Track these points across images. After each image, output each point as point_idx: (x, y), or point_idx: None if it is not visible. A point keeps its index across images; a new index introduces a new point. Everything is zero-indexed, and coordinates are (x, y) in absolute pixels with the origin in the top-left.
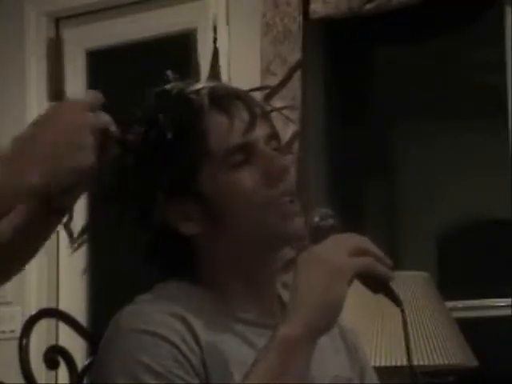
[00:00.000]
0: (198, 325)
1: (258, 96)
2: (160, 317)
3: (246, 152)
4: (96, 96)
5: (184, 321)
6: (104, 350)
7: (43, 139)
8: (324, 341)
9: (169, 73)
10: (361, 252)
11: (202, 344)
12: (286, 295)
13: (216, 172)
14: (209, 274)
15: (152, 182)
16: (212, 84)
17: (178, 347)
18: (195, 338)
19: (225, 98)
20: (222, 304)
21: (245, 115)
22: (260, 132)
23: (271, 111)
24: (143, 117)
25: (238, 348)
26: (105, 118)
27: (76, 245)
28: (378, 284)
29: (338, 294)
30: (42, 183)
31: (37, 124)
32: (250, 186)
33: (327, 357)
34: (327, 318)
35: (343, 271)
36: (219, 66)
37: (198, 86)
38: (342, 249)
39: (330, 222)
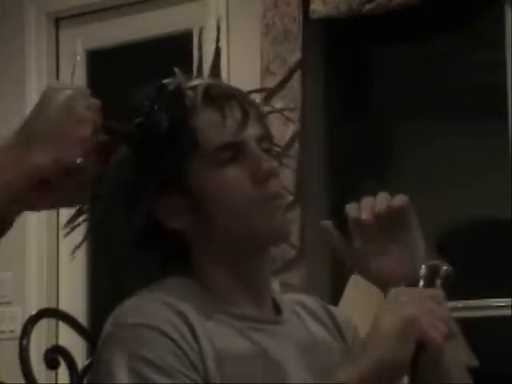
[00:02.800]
0: (195, 321)
1: (256, 97)
2: (160, 311)
3: (235, 150)
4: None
5: (183, 316)
6: (104, 345)
7: (42, 121)
8: (317, 330)
9: (176, 70)
10: (440, 321)
11: (200, 340)
12: (282, 295)
13: (205, 168)
14: (201, 270)
15: (143, 173)
16: (209, 81)
17: (177, 343)
18: (193, 335)
19: (219, 96)
20: (218, 300)
21: (238, 114)
22: (252, 132)
23: (268, 113)
24: (139, 109)
25: (234, 343)
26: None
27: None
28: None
29: (401, 356)
30: (50, 162)
31: (36, 107)
32: (236, 183)
33: (321, 347)
34: (385, 374)
35: (414, 330)
36: (220, 65)
37: (196, 82)
38: (426, 308)
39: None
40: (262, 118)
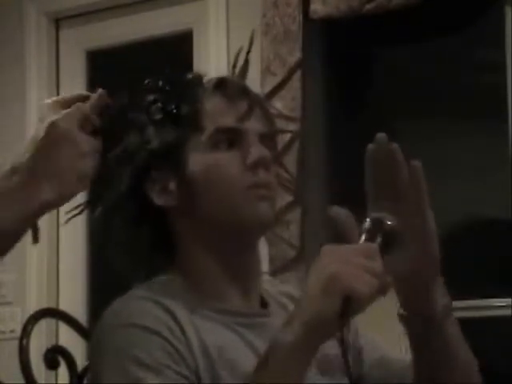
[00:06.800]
0: (182, 316)
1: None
2: (147, 309)
3: (233, 136)
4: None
5: (170, 312)
6: (94, 348)
7: (46, 156)
8: None
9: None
10: (372, 274)
11: (187, 334)
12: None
13: (201, 149)
14: (188, 262)
15: (142, 147)
16: (227, 76)
17: (166, 338)
18: (181, 329)
19: (231, 88)
20: (204, 295)
21: (244, 106)
22: (254, 126)
23: (279, 132)
24: (153, 85)
25: (220, 337)
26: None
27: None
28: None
29: (326, 313)
30: (54, 198)
31: (35, 144)
32: (225, 167)
33: None
34: (318, 333)
35: (339, 287)
36: (247, 73)
37: (213, 76)
38: (351, 262)
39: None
40: (270, 121)
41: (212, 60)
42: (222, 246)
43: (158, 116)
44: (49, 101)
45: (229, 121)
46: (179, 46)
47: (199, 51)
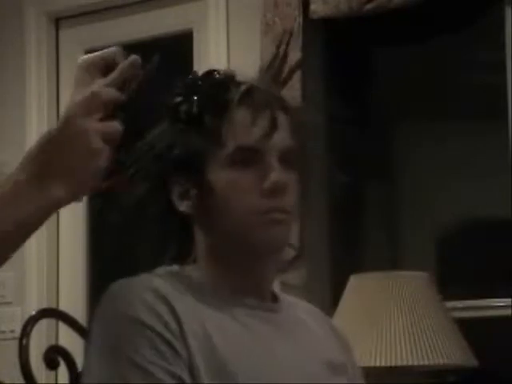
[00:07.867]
0: (182, 306)
1: None
2: (144, 299)
3: (252, 156)
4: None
5: (165, 300)
6: (89, 335)
7: (59, 153)
8: (314, 326)
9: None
10: None
11: (182, 322)
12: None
13: (219, 165)
14: (202, 256)
15: (166, 151)
16: (255, 83)
17: (160, 334)
18: (177, 321)
19: (257, 100)
20: (214, 287)
21: (267, 123)
22: (277, 142)
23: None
24: (182, 89)
25: (225, 325)
26: (110, 93)
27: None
28: None
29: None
30: (68, 196)
31: (48, 139)
32: (241, 188)
33: (317, 340)
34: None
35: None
36: (282, 72)
37: (245, 78)
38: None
39: None
40: (300, 128)
41: (212, 60)
42: (235, 257)
43: (183, 121)
44: (81, 61)
45: (250, 139)
46: (179, 46)
47: (199, 51)
